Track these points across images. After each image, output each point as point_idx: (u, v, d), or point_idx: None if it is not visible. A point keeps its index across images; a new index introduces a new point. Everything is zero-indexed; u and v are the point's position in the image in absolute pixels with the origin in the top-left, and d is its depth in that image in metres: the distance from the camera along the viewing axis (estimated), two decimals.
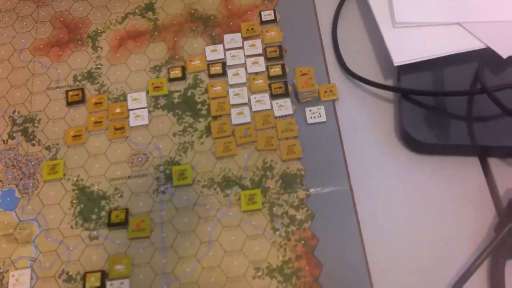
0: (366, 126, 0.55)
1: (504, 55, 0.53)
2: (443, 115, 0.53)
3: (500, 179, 0.51)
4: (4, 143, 0.57)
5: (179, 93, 0.59)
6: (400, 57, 0.54)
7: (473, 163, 0.52)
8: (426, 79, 0.55)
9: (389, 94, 0.57)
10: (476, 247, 0.48)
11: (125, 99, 0.58)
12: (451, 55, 0.54)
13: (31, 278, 0.50)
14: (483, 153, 0.52)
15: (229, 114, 0.57)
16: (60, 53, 0.62)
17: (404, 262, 0.49)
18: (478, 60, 0.53)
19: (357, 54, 0.59)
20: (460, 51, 0.54)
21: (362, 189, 0.52)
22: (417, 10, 0.57)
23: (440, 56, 0.54)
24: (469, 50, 0.54)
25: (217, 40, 0.61)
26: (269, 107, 0.57)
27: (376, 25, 0.57)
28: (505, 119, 0.51)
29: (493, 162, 0.52)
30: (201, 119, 0.57)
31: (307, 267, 0.48)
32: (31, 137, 0.57)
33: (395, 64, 0.54)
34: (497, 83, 0.50)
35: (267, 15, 0.62)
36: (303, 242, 0.50)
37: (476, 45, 0.54)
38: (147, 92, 0.59)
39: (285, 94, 0.57)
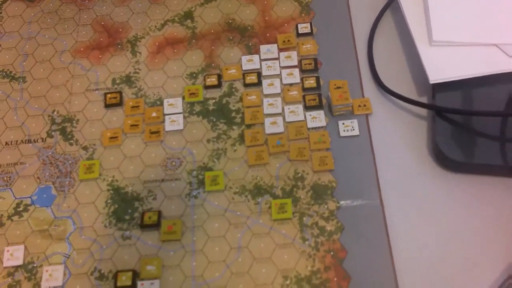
0: (398, 142, 0.56)
1: None
2: (476, 135, 0.53)
3: None
4: (42, 141, 0.58)
5: (214, 101, 0.60)
6: (436, 75, 0.55)
7: (506, 183, 0.53)
8: (461, 98, 0.55)
9: (423, 111, 0.57)
10: (506, 268, 0.48)
11: (162, 104, 0.60)
12: (487, 75, 0.54)
13: (64, 274, 0.51)
14: None
15: (263, 123, 0.58)
16: (100, 56, 0.64)
17: (433, 279, 0.49)
18: None
19: (392, 69, 0.60)
20: (496, 72, 0.54)
21: (392, 204, 0.52)
22: (454, 29, 0.57)
23: (476, 76, 0.54)
24: (505, 71, 0.55)
25: (253, 50, 0.63)
26: (303, 118, 0.58)
27: (413, 42, 0.58)
28: None
29: None
30: (234, 127, 0.58)
31: (335, 279, 0.49)
32: (69, 136, 0.58)
33: (431, 82, 0.55)
34: None
35: (304, 27, 0.63)
36: (332, 253, 0.50)
37: None
38: (183, 98, 0.60)
39: (319, 106, 0.58)
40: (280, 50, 0.62)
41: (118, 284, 0.50)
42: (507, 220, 0.51)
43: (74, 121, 0.59)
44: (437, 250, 0.50)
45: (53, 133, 0.59)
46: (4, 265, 0.52)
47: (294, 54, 0.62)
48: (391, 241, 0.50)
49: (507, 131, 0.53)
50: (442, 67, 0.55)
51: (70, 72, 0.63)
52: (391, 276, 0.49)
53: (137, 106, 0.60)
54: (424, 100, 0.57)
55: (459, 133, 0.54)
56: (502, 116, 0.53)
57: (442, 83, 0.55)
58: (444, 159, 0.53)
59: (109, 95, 0.60)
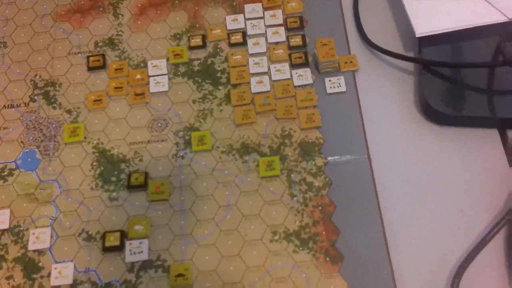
0: (386, 97, 0.56)
1: None
2: (464, 87, 0.53)
3: None
4: (25, 105, 0.57)
5: (199, 61, 0.59)
6: (422, 29, 0.54)
7: (493, 135, 0.53)
8: (448, 51, 0.55)
9: (410, 66, 0.57)
10: (494, 217, 0.49)
11: (146, 66, 0.59)
12: (473, 27, 0.54)
13: (51, 236, 0.50)
14: (503, 125, 0.52)
15: (249, 83, 0.57)
16: (81, 19, 0.62)
17: (421, 229, 0.49)
18: (501, 33, 0.53)
19: (378, 25, 0.59)
20: (482, 24, 0.54)
21: (380, 158, 0.52)
22: None
23: (462, 28, 0.54)
24: (491, 23, 0.54)
25: (237, 9, 0.62)
26: (289, 77, 0.57)
27: None
28: None
29: None
30: (220, 87, 0.57)
31: (324, 232, 0.49)
32: (52, 100, 0.57)
33: (417, 36, 0.54)
34: None
35: None
36: (320, 208, 0.50)
37: (498, 18, 0.54)
38: (168, 60, 0.59)
39: (305, 64, 0.57)
40: (265, 9, 0.61)
41: (107, 244, 0.49)
42: (495, 171, 0.51)
43: (57, 85, 0.58)
44: (425, 201, 0.50)
45: (36, 97, 0.58)
46: None
47: (279, 12, 0.61)
48: (379, 195, 0.50)
49: (494, 83, 0.53)
50: (428, 20, 0.55)
51: (52, 36, 0.61)
52: (380, 229, 0.49)
53: (121, 69, 0.59)
54: (411, 54, 0.57)
55: (447, 86, 0.53)
56: (488, 67, 0.53)
57: (429, 36, 0.55)
58: (432, 113, 0.53)
59: (92, 58, 0.59)
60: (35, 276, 0.49)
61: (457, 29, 0.54)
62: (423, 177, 0.51)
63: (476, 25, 0.54)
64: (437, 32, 0.54)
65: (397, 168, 0.52)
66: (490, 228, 0.46)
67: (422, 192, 0.51)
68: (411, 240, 0.49)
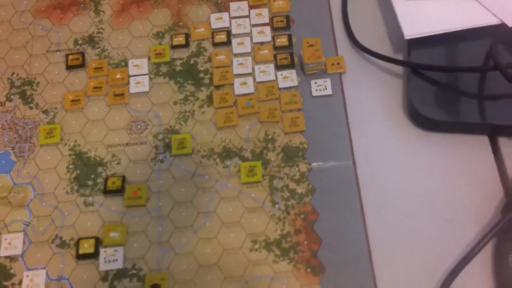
0: (373, 101, 0.54)
1: None
2: (453, 92, 0.51)
3: (510, 159, 0.49)
4: (1, 105, 0.55)
5: (181, 61, 0.57)
6: (411, 30, 0.52)
7: (483, 142, 0.51)
8: (437, 54, 0.53)
9: (398, 69, 0.55)
10: (482, 228, 0.47)
11: (126, 65, 0.57)
12: (464, 30, 0.52)
13: (24, 242, 0.49)
14: (493, 132, 0.51)
15: (232, 84, 0.55)
16: (61, 16, 0.60)
17: (406, 239, 0.47)
18: (492, 36, 0.51)
19: (366, 26, 0.58)
20: (473, 26, 0.52)
21: (366, 164, 0.51)
22: None
23: (452, 30, 0.52)
24: (483, 25, 0.52)
25: (222, 8, 0.60)
26: (274, 78, 0.55)
27: None
28: None
29: (503, 142, 0.51)
30: (203, 88, 0.55)
31: (305, 242, 0.47)
32: (29, 100, 0.56)
33: (405, 37, 0.52)
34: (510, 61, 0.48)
35: None
36: (302, 216, 0.48)
37: (490, 20, 0.52)
38: (149, 59, 0.57)
39: (291, 66, 0.56)
40: (251, 7, 0.59)
41: (80, 251, 0.48)
42: (484, 179, 0.49)
43: (34, 84, 0.56)
44: (411, 210, 0.48)
45: (12, 96, 0.56)
46: None
47: (265, 11, 0.59)
48: (363, 202, 0.49)
49: (485, 88, 0.51)
50: (417, 22, 0.53)
51: (30, 33, 0.60)
52: (363, 239, 0.47)
53: (101, 68, 0.57)
54: (400, 57, 0.55)
55: (436, 91, 0.52)
56: (479, 72, 0.51)
57: (419, 39, 0.53)
58: (419, 118, 0.51)
59: (70, 56, 0.57)
60: (6, 283, 0.47)
61: (447, 31, 0.52)
62: (410, 184, 0.49)
63: (467, 28, 0.52)
64: (426, 34, 0.52)
65: (383, 174, 0.50)
66: (477, 240, 0.44)
67: (408, 200, 0.49)
68: (396, 251, 0.47)
